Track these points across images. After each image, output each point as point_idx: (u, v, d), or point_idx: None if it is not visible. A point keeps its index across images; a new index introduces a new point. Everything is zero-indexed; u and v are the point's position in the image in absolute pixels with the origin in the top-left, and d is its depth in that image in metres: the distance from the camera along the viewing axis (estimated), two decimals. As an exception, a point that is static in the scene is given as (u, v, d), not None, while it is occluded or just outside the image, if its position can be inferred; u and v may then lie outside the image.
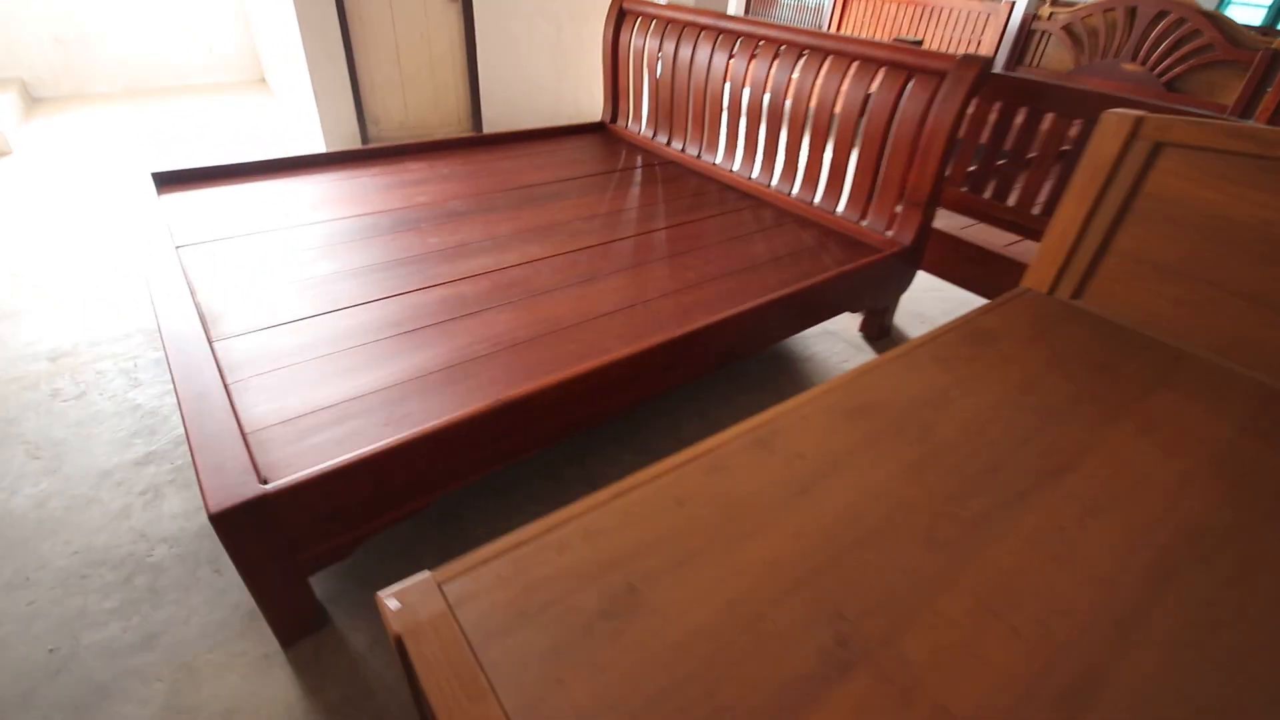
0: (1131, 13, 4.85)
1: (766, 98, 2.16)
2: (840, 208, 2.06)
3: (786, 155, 2.16)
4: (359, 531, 1.06)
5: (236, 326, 1.33)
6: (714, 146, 2.42)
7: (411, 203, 1.99)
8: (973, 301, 2.38)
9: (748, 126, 2.27)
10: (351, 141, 3.31)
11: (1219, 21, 4.37)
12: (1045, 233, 1.48)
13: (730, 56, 2.26)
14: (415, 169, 2.26)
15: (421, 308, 1.45)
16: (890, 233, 1.93)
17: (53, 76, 4.28)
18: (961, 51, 1.96)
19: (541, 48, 3.68)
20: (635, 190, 2.24)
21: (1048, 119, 1.84)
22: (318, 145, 3.37)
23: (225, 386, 1.13)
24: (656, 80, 2.56)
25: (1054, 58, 5.25)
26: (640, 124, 2.74)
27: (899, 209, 1.92)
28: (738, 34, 2.22)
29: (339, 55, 3.06)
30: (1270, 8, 5.64)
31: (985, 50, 5.26)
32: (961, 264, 1.98)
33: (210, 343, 1.25)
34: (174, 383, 1.12)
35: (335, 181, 2.10)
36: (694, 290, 1.61)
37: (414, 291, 1.51)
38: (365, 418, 1.12)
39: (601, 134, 2.81)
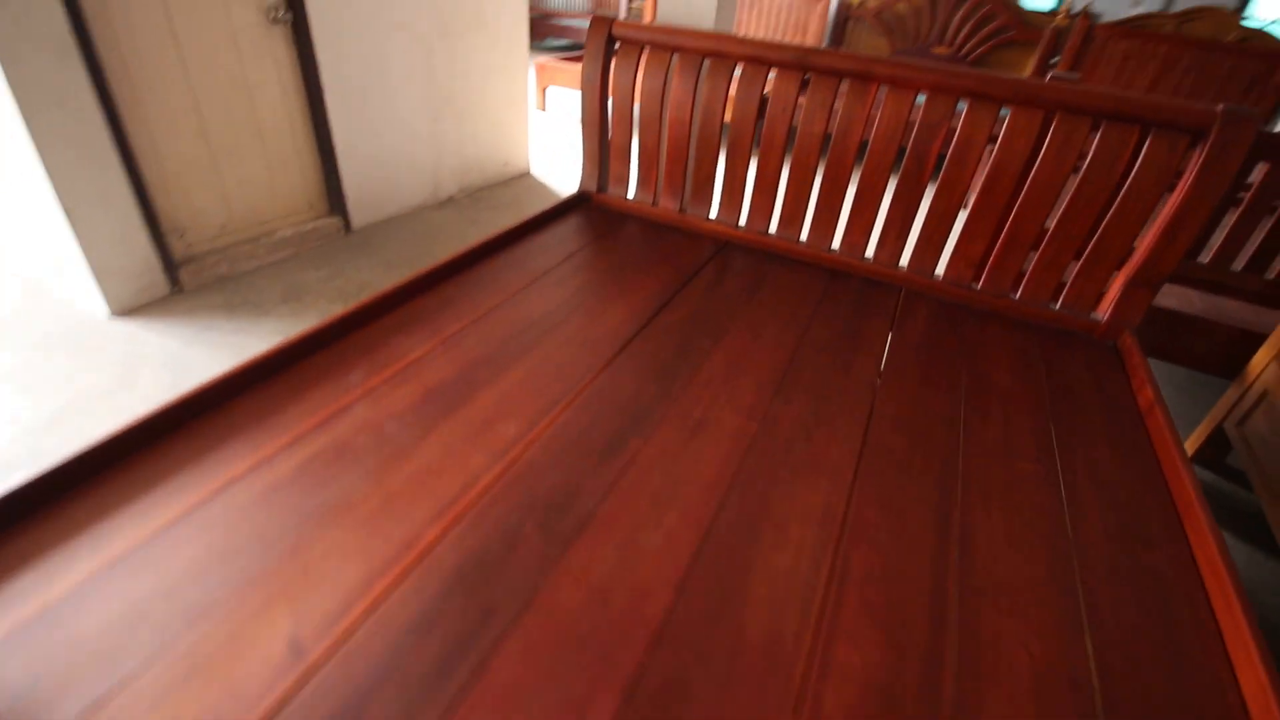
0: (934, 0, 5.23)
1: (906, 152, 1.62)
2: (1016, 290, 1.65)
3: (926, 226, 1.67)
4: None
5: None
6: (796, 219, 1.82)
7: (505, 450, 1.07)
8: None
9: (860, 191, 1.71)
10: (149, 275, 1.96)
11: (1010, 5, 4.88)
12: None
13: (833, 101, 1.67)
14: (418, 352, 1.28)
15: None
16: (1099, 316, 1.58)
17: None
18: (794, 39, 1.64)
19: (410, 79, 2.61)
20: (753, 315, 1.54)
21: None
22: (89, 295, 1.95)
23: None
24: (692, 133, 1.85)
25: (869, 44, 5.50)
26: (654, 194, 2.00)
27: (1106, 289, 1.58)
28: (841, 73, 1.63)
29: (99, 136, 1.72)
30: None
31: (812, 39, 5.29)
32: (1187, 340, 1.80)
33: None
34: None
35: (332, 431, 1.05)
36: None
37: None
38: None
39: (592, 212, 2.00)
